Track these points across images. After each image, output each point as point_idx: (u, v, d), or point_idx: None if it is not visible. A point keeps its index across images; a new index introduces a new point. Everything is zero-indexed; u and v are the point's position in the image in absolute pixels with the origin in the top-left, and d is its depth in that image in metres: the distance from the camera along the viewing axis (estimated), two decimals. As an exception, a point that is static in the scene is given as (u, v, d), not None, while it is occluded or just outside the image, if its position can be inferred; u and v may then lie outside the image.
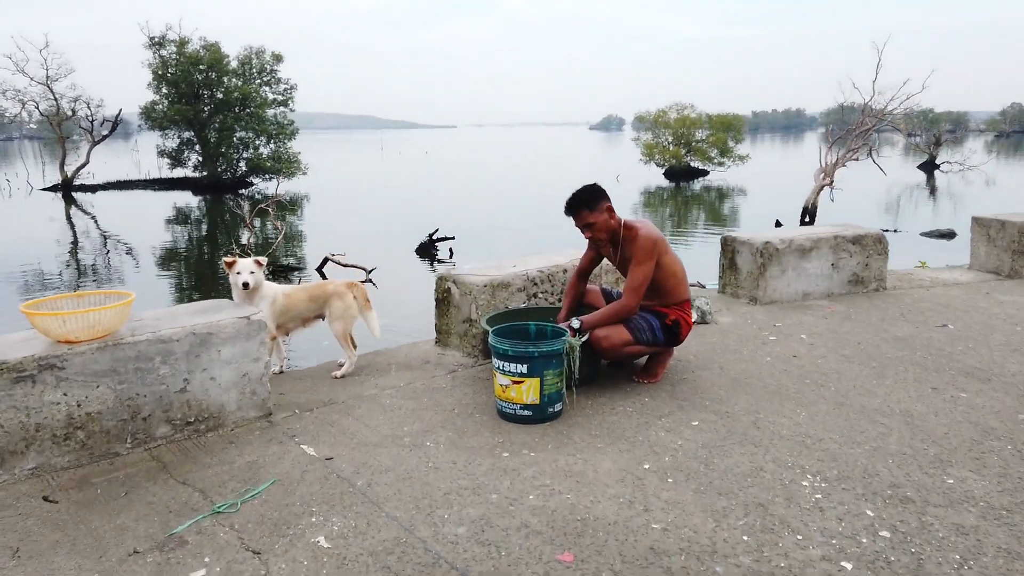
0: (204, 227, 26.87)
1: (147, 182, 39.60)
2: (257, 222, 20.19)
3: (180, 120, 35.49)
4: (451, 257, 19.04)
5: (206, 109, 35.97)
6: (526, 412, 3.55)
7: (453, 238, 19.77)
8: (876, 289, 6.17)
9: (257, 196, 31.22)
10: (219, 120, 35.58)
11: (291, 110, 38.16)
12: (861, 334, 4.99)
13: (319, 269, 17.49)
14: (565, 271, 4.75)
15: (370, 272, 16.70)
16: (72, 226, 27.18)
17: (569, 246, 5.33)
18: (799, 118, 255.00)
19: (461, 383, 4.16)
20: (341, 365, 4.38)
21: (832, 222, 6.46)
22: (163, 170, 38.92)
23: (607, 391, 3.98)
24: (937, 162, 42.84)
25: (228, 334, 3.47)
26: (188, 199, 34.23)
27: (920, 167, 42.96)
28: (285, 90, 37.36)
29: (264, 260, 4.19)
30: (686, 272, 4.08)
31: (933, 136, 44.65)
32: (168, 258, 20.75)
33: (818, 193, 24.00)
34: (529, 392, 3.52)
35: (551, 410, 3.58)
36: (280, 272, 17.15)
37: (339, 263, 17.16)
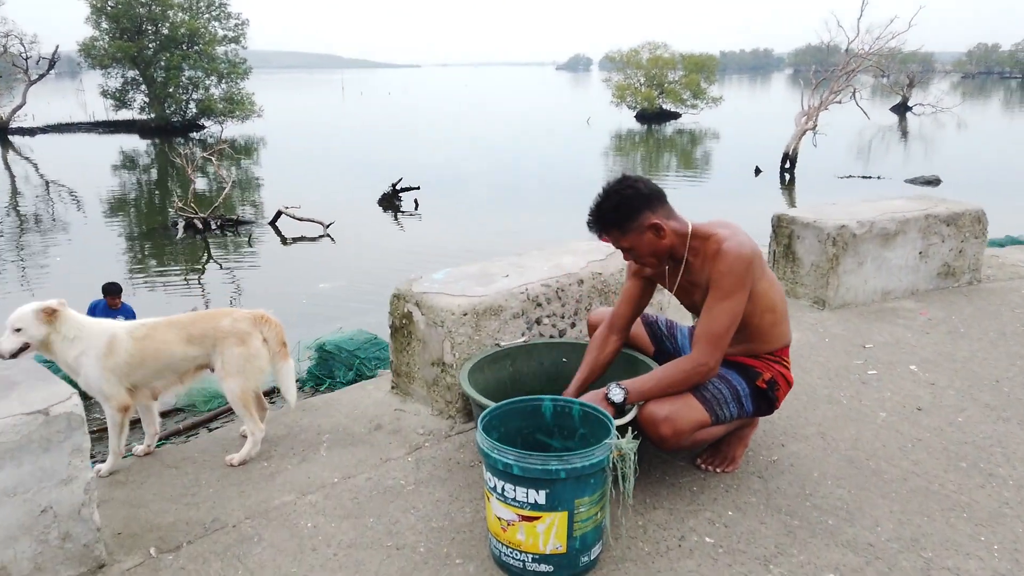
0: (154, 173, 24.89)
1: (91, 125, 37.07)
2: (211, 168, 18.36)
3: (123, 58, 32.93)
4: (416, 209, 17.38)
5: (151, 46, 33.39)
6: (545, 568, 2.05)
7: (418, 188, 18.07)
8: (970, 282, 4.73)
9: (209, 140, 29.13)
10: (165, 58, 33.05)
11: (243, 47, 35.68)
12: (991, 362, 3.56)
13: (272, 223, 15.76)
14: (581, 282, 3.21)
15: (328, 227, 15.03)
16: (10, 172, 25.05)
17: (578, 234, 3.78)
18: (767, 59, 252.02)
19: (431, 476, 2.64)
20: (243, 436, 2.84)
21: (910, 194, 5.00)
22: (108, 112, 36.37)
23: (659, 495, 2.50)
24: (910, 104, 41.72)
25: (3, 447, 1.91)
26: (135, 143, 31.92)
27: (893, 109, 41.85)
28: (236, 26, 34.81)
29: (58, 306, 2.60)
30: (785, 299, 2.58)
31: (906, 77, 43.26)
32: (116, 207, 18.89)
33: (800, 138, 22.65)
34: (550, 535, 2.02)
35: (585, 559, 2.10)
36: (229, 227, 15.45)
37: (293, 216, 15.46)
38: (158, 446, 2.95)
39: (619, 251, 2.48)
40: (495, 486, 2.05)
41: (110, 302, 8.25)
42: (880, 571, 2.12)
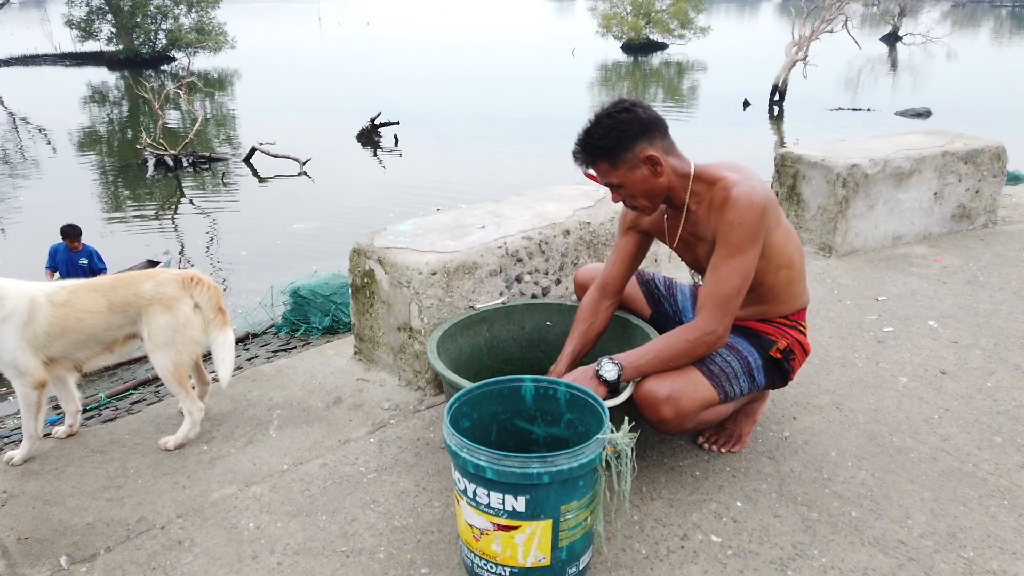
0: (124, 108, 23.93)
1: (57, 57, 35.55)
2: (183, 103, 17.58)
3: (87, -16, 31.38)
4: (396, 145, 16.76)
5: (116, -29, 31.75)
6: (524, 583, 1.73)
7: (398, 123, 17.40)
8: (985, 225, 4.38)
9: (180, 73, 28.02)
10: (131, -16, 31.45)
11: (213, -27, 34.02)
12: (1017, 316, 3.23)
13: (247, 160, 15.14)
14: (566, 233, 2.82)
15: (304, 164, 14.44)
16: (-29, 106, 24.07)
17: (566, 179, 3.39)
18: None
19: (395, 461, 2.30)
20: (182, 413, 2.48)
21: (927, 129, 4.60)
22: (75, 43, 34.89)
23: (657, 482, 2.18)
24: (900, 34, 40.75)
25: None
26: (104, 76, 30.70)
27: (883, 39, 40.90)
28: (205, -50, 33.10)
29: None
30: (802, 253, 2.21)
31: (897, 6, 42.05)
32: (86, 143, 18.12)
33: (790, 69, 22.00)
34: (531, 546, 1.69)
35: (572, 570, 1.77)
36: (202, 164, 14.82)
37: (268, 153, 14.84)
38: (92, 410, 2.59)
39: (608, 194, 2.10)
40: (465, 489, 1.71)
41: (70, 245, 7.80)
42: (911, 573, 1.82)
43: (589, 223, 2.88)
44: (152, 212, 12.19)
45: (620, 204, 2.14)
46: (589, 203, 2.98)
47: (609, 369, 1.99)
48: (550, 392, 1.95)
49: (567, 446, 1.95)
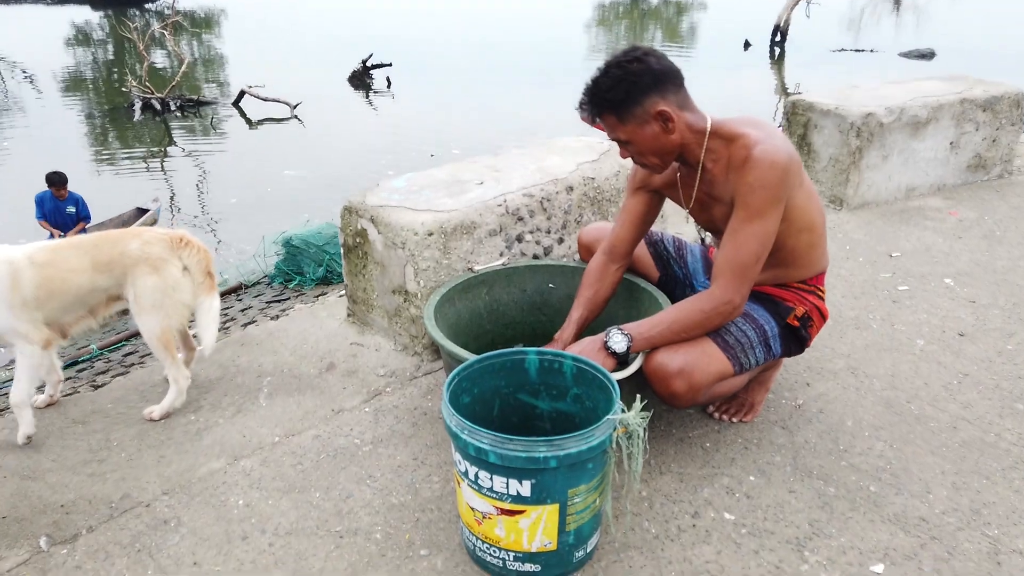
0: (110, 49, 23.32)
1: (36, -5, 34.48)
2: (169, 44, 17.07)
3: (61, -84, 30.21)
4: (389, 88, 16.37)
5: (92, -98, 30.56)
6: (530, 567, 1.64)
7: (390, 64, 16.94)
8: (1000, 175, 4.23)
9: (165, 12, 27.20)
10: (109, -85, 30.30)
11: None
12: (1035, 274, 3.12)
13: (236, 104, 14.78)
14: (569, 189, 2.67)
15: (295, 107, 14.10)
16: (-53, 46, 23.38)
17: (570, 130, 3.21)
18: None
19: (392, 432, 2.20)
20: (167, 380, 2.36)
21: (944, 74, 4.40)
22: (53, -20, 33.79)
23: (666, 455, 2.08)
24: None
25: None
26: (87, 15, 29.81)
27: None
28: None
29: None
30: (823, 214, 2.07)
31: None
32: (72, 86, 17.65)
33: (792, 8, 21.43)
34: (536, 531, 1.59)
35: (580, 554, 1.68)
36: (190, 108, 14.47)
37: (258, 96, 14.47)
38: (84, 362, 2.47)
39: (614, 147, 1.95)
40: (466, 471, 1.60)
41: (56, 193, 7.60)
42: (938, 556, 1.74)
43: (593, 178, 2.73)
44: (140, 157, 11.91)
45: (629, 160, 1.99)
46: (593, 156, 2.82)
47: (618, 340, 1.87)
48: (555, 365, 1.83)
49: (573, 421, 1.85)
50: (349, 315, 2.78)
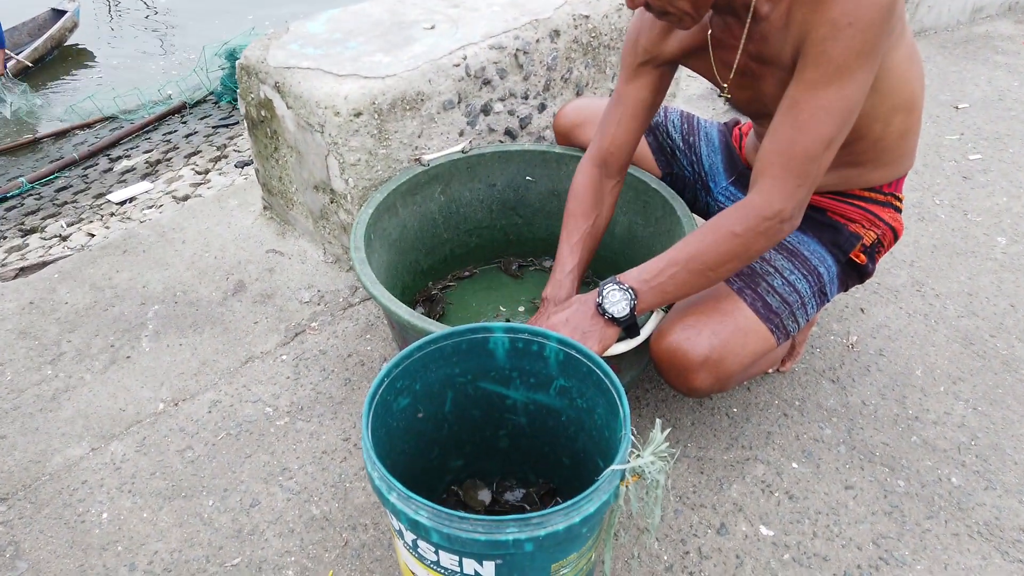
0: None
1: None
2: None
3: None
4: None
5: None
6: (494, 651, 1.16)
7: None
8: (1083, -11, 3.43)
9: None
10: None
11: None
12: None
13: None
14: (555, 35, 1.94)
15: None
16: None
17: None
18: None
19: (317, 394, 1.65)
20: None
21: None
22: None
23: (681, 426, 1.57)
24: None
25: None
26: None
27: None
28: None
29: None
30: (923, 81, 1.39)
31: None
32: None
33: None
34: (503, 614, 1.10)
35: (566, 620, 1.20)
36: None
37: None
38: (13, 198, 1.88)
39: None
40: (401, 532, 1.07)
41: None
42: (1048, 595, 1.28)
43: (588, 16, 1.98)
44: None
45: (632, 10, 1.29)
46: (587, -16, 2.05)
47: (616, 299, 1.27)
48: (533, 347, 1.25)
49: (558, 418, 1.30)
50: (266, 208, 2.13)
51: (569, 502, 0.97)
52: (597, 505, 1.00)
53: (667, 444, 1.04)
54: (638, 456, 1.04)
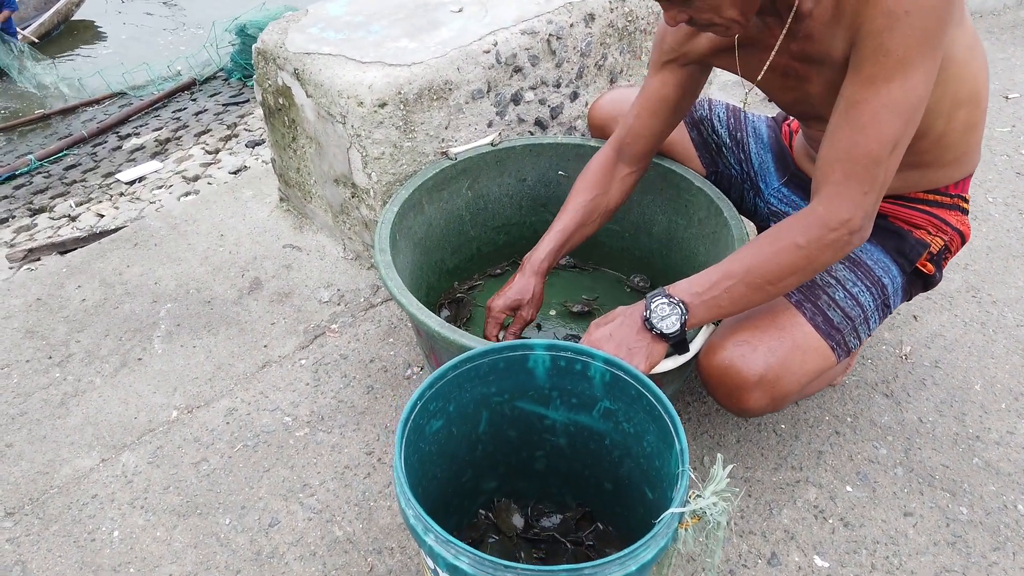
0: None
1: None
2: None
3: None
4: None
5: None
6: None
7: None
8: None
9: None
10: None
11: None
12: None
13: None
14: (590, 20, 1.82)
15: None
16: None
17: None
18: None
19: (338, 403, 1.56)
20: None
21: None
22: None
23: (726, 441, 1.48)
24: None
25: None
26: None
27: None
28: None
29: None
30: (987, 72, 1.28)
31: None
32: None
33: None
34: (546, 661, 1.01)
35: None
36: None
37: None
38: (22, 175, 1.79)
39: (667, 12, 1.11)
40: (436, 572, 0.99)
41: None
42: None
43: (624, 0, 1.86)
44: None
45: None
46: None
47: (666, 315, 1.17)
48: (576, 367, 1.15)
49: (602, 442, 1.21)
50: (282, 199, 2.03)
51: (626, 551, 0.88)
52: (655, 552, 0.91)
53: (728, 481, 0.94)
54: (698, 496, 0.95)
